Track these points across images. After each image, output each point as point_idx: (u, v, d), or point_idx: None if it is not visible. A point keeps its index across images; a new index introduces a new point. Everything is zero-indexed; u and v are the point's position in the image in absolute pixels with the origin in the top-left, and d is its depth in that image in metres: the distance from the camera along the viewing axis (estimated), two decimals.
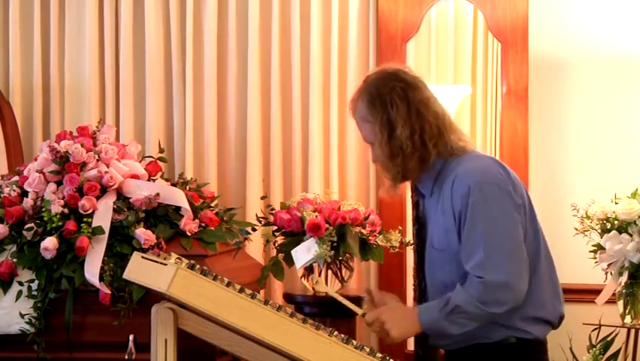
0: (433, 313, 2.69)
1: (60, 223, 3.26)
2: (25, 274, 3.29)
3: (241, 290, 2.53)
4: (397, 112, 2.72)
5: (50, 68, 4.29)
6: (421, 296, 2.89)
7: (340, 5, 4.20)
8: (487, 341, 2.72)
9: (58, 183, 3.36)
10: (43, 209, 3.29)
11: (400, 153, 2.73)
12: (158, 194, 3.35)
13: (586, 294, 4.04)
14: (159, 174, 3.56)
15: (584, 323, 3.86)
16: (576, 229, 3.84)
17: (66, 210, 3.30)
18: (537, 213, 2.70)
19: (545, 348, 2.80)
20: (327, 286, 3.61)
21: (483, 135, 4.22)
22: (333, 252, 3.63)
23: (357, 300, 3.00)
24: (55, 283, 3.25)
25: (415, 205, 2.90)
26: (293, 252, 3.66)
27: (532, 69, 4.09)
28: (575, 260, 4.07)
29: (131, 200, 3.35)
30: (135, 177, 3.43)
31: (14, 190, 3.40)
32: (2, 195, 3.40)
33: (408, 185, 2.94)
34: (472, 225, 2.65)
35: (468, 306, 2.64)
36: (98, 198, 3.33)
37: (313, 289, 3.69)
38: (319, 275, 3.71)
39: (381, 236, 3.71)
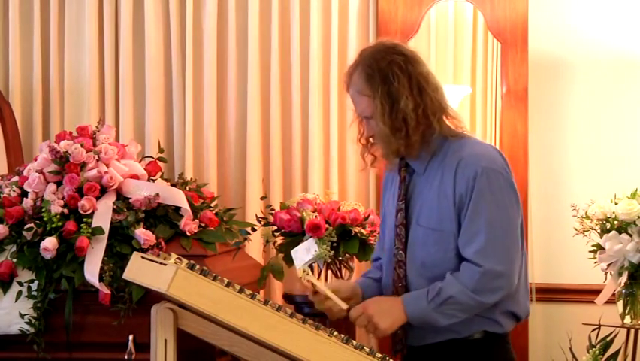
0: (421, 303, 2.64)
1: (60, 223, 3.26)
2: (24, 275, 3.28)
3: (241, 290, 2.53)
4: (399, 84, 2.65)
5: (50, 68, 4.29)
6: (403, 277, 2.77)
7: (340, 5, 4.20)
8: (455, 336, 2.68)
9: (58, 184, 3.36)
10: (43, 209, 3.29)
11: (403, 126, 2.66)
12: (157, 194, 3.35)
13: (586, 294, 4.04)
14: (159, 174, 3.56)
15: (583, 323, 3.86)
16: (576, 229, 3.85)
17: (66, 211, 3.30)
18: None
19: (508, 340, 2.78)
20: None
21: (483, 135, 4.22)
22: (332, 252, 3.64)
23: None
24: (54, 283, 3.25)
25: (403, 181, 2.79)
26: (293, 252, 3.66)
27: (532, 69, 4.09)
28: (574, 260, 4.08)
29: (130, 200, 3.35)
30: (135, 177, 3.43)
31: (14, 190, 3.40)
32: (2, 196, 3.40)
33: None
34: (475, 210, 2.62)
35: (461, 296, 2.61)
36: (97, 198, 3.32)
37: (310, 283, 3.65)
38: (319, 276, 3.71)
39: None
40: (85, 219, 3.26)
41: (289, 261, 3.70)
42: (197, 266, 2.54)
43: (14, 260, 3.28)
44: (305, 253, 3.62)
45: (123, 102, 4.25)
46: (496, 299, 2.64)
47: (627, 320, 3.81)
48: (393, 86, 2.66)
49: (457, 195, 2.65)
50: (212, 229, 3.42)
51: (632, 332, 3.82)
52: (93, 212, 3.30)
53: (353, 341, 2.56)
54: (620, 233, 3.75)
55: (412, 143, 2.69)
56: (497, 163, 2.68)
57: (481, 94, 4.24)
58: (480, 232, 2.62)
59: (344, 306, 2.74)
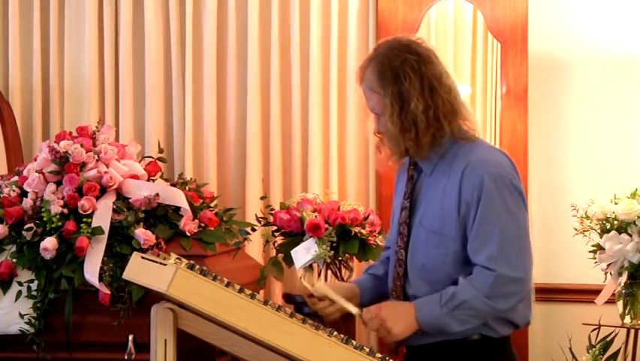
0: (434, 308, 2.61)
1: (60, 223, 3.26)
2: (24, 275, 3.28)
3: (241, 290, 2.53)
4: (410, 85, 2.62)
5: (50, 68, 4.28)
6: (402, 275, 2.76)
7: (340, 5, 4.20)
8: (450, 337, 2.65)
9: (58, 184, 3.36)
10: (43, 209, 3.29)
11: (413, 127, 2.63)
12: (157, 194, 3.35)
13: (585, 294, 4.04)
14: (159, 174, 3.56)
15: (583, 323, 3.86)
16: (576, 229, 3.84)
17: (66, 211, 3.30)
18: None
19: (509, 342, 2.74)
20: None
21: (483, 135, 4.17)
22: (332, 252, 3.63)
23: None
24: (54, 283, 3.25)
25: (410, 179, 2.78)
26: (292, 252, 3.66)
27: (532, 69, 4.09)
28: (574, 260, 4.08)
29: (130, 200, 3.35)
30: (135, 177, 3.43)
31: (14, 190, 3.40)
32: (2, 196, 3.40)
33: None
34: (484, 217, 2.59)
35: (475, 302, 2.58)
36: (97, 198, 3.33)
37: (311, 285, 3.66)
38: (319, 276, 3.71)
39: (380, 236, 3.71)
40: (85, 219, 3.26)
41: (289, 261, 3.70)
42: (197, 266, 2.54)
43: (14, 260, 3.28)
44: (305, 253, 3.62)
45: (123, 102, 4.25)
46: (510, 305, 2.61)
47: (627, 320, 3.81)
48: (404, 87, 2.63)
49: (462, 201, 2.62)
50: (212, 229, 3.42)
51: (632, 332, 3.82)
52: (93, 212, 3.30)
53: (353, 341, 2.56)
54: (620, 233, 3.75)
55: (422, 144, 2.66)
56: (505, 169, 2.65)
57: (481, 94, 4.24)
58: (491, 238, 2.59)
59: (354, 310, 2.73)
